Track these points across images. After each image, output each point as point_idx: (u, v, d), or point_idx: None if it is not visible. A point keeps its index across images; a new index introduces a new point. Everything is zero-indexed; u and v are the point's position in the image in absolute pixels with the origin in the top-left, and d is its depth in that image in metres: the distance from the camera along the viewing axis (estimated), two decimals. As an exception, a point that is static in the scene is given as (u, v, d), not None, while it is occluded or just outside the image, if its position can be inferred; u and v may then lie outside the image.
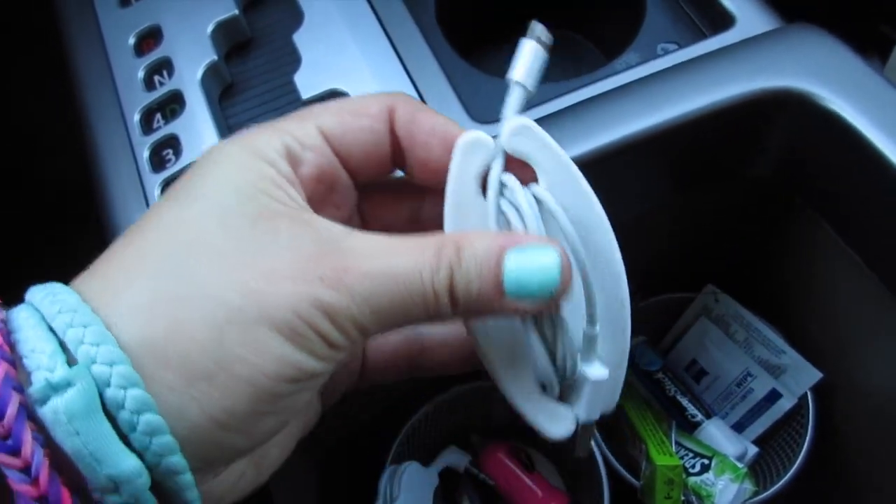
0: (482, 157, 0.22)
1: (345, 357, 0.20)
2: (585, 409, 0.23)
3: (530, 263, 0.20)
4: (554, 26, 0.49)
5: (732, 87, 0.33)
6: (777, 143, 0.36)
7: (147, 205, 0.35)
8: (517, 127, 0.22)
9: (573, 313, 0.22)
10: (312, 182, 0.22)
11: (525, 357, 0.22)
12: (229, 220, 0.19)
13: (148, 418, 0.17)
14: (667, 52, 0.37)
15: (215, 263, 0.19)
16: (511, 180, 0.22)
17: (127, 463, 0.17)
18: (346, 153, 0.23)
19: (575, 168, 0.22)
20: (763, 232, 0.43)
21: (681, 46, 0.37)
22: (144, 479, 0.17)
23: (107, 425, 0.17)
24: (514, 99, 0.22)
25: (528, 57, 0.23)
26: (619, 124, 0.33)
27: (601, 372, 0.22)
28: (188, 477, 0.18)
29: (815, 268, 0.41)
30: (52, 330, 0.18)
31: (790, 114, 0.33)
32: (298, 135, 0.22)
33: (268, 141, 0.21)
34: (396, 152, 0.23)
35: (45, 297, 0.18)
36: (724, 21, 0.37)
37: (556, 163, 0.22)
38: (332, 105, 0.23)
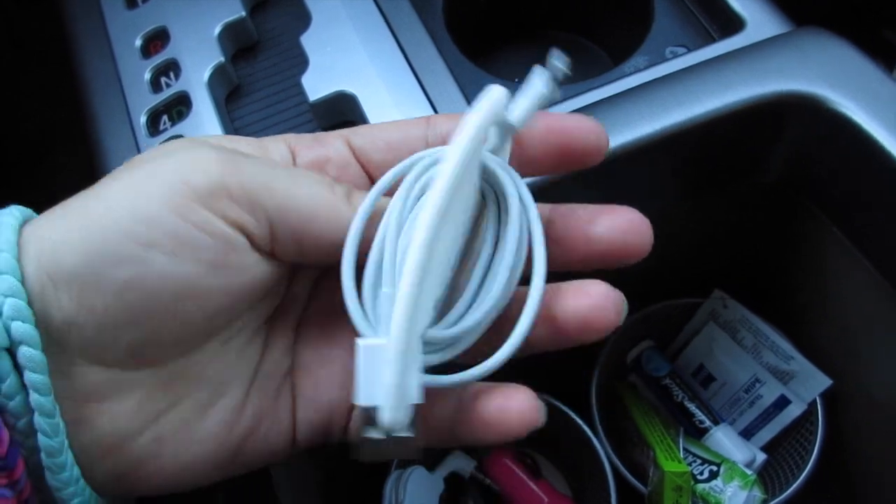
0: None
1: (227, 256, 0.19)
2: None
3: None
4: (562, 30, 0.49)
5: (742, 91, 0.33)
6: (787, 147, 0.35)
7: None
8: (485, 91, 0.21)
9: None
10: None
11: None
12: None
13: (6, 279, 0.18)
14: (675, 56, 0.37)
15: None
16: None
17: None
18: (371, 145, 0.23)
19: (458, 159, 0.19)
20: (772, 236, 0.43)
21: (690, 50, 0.37)
22: None
23: None
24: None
25: (530, 95, 0.22)
26: (628, 128, 0.32)
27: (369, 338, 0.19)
28: (38, 355, 0.18)
29: (825, 273, 0.41)
30: None
31: (800, 117, 0.33)
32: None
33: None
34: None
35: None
36: (733, 24, 0.37)
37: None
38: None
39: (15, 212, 0.20)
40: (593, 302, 0.21)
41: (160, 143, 0.22)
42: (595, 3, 0.44)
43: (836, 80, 0.32)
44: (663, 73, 0.34)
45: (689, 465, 0.44)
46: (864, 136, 0.31)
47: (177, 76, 0.38)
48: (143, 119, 0.37)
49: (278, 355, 0.23)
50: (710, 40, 0.38)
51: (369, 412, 0.19)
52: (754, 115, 0.33)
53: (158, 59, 0.39)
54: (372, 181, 0.23)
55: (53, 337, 0.18)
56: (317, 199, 0.20)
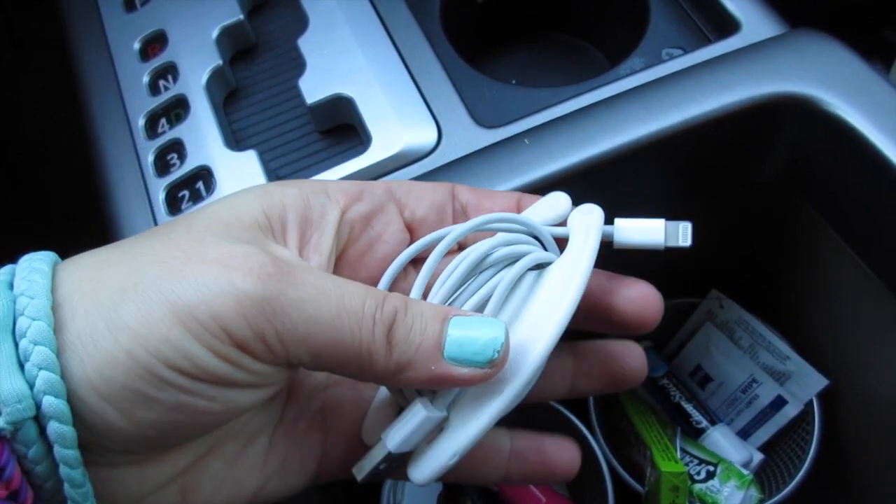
0: (550, 212, 0.24)
1: (260, 381, 0.20)
2: (394, 429, 0.21)
3: (474, 330, 0.20)
4: (559, 32, 0.49)
5: (737, 92, 0.33)
6: (782, 148, 0.36)
7: (151, 209, 0.35)
8: (586, 207, 0.23)
9: None
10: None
11: None
12: (196, 224, 0.21)
13: (41, 350, 0.17)
14: (672, 57, 0.37)
15: (159, 242, 0.20)
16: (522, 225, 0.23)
17: (10, 383, 0.17)
18: (416, 201, 0.24)
19: (589, 267, 0.22)
20: (768, 237, 0.43)
21: (686, 51, 0.37)
22: (24, 407, 0.17)
23: (9, 346, 0.17)
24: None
25: (647, 225, 0.23)
26: (624, 129, 0.33)
27: (424, 410, 0.21)
28: (69, 430, 0.18)
29: (821, 273, 0.41)
30: (14, 273, 0.19)
31: (795, 119, 0.33)
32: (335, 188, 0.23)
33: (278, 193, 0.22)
34: (459, 216, 0.25)
35: (31, 253, 0.20)
36: (729, 26, 0.37)
37: (578, 254, 0.22)
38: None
39: (43, 266, 0.19)
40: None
41: (195, 214, 0.21)
42: (592, 5, 0.45)
43: (831, 81, 0.33)
44: (660, 75, 0.35)
45: (686, 465, 0.44)
46: (859, 138, 0.31)
47: (175, 79, 0.38)
48: (141, 122, 0.37)
49: (305, 398, 0.24)
50: (706, 42, 0.38)
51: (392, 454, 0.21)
52: (750, 117, 0.33)
53: (156, 62, 0.39)
54: (412, 237, 0.24)
55: (90, 436, 0.18)
56: (355, 349, 0.19)
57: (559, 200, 0.24)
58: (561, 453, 0.25)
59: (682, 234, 0.22)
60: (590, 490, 0.45)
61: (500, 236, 0.22)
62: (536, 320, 0.21)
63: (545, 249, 0.23)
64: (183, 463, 0.21)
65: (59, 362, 0.18)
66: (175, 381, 0.18)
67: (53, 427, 0.17)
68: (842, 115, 0.32)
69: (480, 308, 0.22)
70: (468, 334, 0.20)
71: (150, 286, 0.18)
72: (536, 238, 0.23)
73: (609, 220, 0.23)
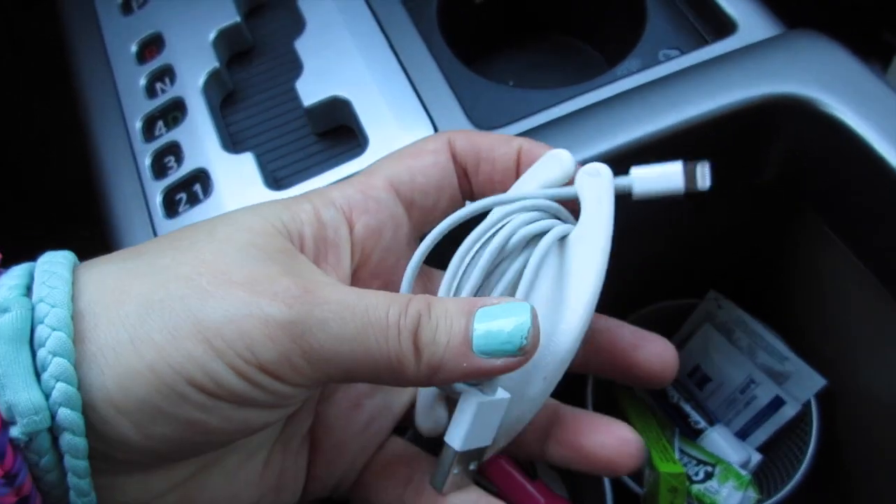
0: (553, 173, 0.23)
1: (279, 402, 0.20)
2: (452, 428, 0.21)
3: (499, 319, 0.20)
4: (556, 33, 0.49)
5: (735, 94, 0.33)
6: (780, 149, 0.36)
7: (149, 212, 0.35)
8: (593, 168, 0.22)
9: None
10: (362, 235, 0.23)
11: None
12: (219, 233, 0.20)
13: (59, 361, 0.17)
14: (669, 59, 0.37)
15: (182, 255, 0.20)
16: (543, 203, 0.22)
17: (26, 394, 0.17)
18: (420, 193, 0.24)
19: (608, 234, 0.22)
20: (766, 238, 0.43)
21: (683, 52, 0.37)
22: (41, 419, 0.17)
23: (26, 356, 0.17)
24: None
25: (662, 170, 0.22)
26: (621, 131, 0.33)
27: (474, 398, 0.21)
28: (81, 442, 0.18)
29: (819, 274, 0.41)
30: (31, 275, 0.19)
31: (793, 120, 0.33)
32: (353, 192, 0.23)
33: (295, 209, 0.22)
34: (462, 180, 0.24)
35: (49, 254, 0.20)
36: (725, 27, 0.37)
37: (596, 221, 0.22)
38: (393, 154, 0.25)
39: (64, 272, 0.19)
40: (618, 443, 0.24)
41: (218, 222, 0.21)
42: (589, 7, 0.44)
43: (828, 82, 0.33)
44: (657, 76, 0.35)
45: (685, 465, 0.44)
46: (856, 139, 0.31)
47: (172, 82, 0.38)
48: (138, 125, 0.37)
49: (304, 415, 0.24)
50: (703, 43, 0.38)
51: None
52: (747, 118, 0.33)
53: (153, 64, 0.39)
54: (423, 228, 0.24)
55: (101, 446, 0.18)
56: (385, 360, 0.20)
57: (561, 160, 0.23)
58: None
59: (700, 175, 0.22)
60: (588, 491, 0.45)
61: (518, 216, 0.22)
62: (568, 298, 0.22)
63: (559, 219, 0.23)
64: (185, 474, 0.21)
65: (76, 374, 0.18)
66: (194, 398, 0.18)
67: (67, 438, 0.18)
68: (839, 116, 0.32)
69: (510, 294, 0.22)
70: (494, 325, 0.19)
71: (177, 303, 0.18)
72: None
73: (625, 171, 0.23)
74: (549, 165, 0.23)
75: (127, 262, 0.20)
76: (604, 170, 0.22)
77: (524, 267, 0.22)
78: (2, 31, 0.61)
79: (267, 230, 0.21)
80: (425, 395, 0.23)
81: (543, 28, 0.47)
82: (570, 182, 0.23)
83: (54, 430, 0.18)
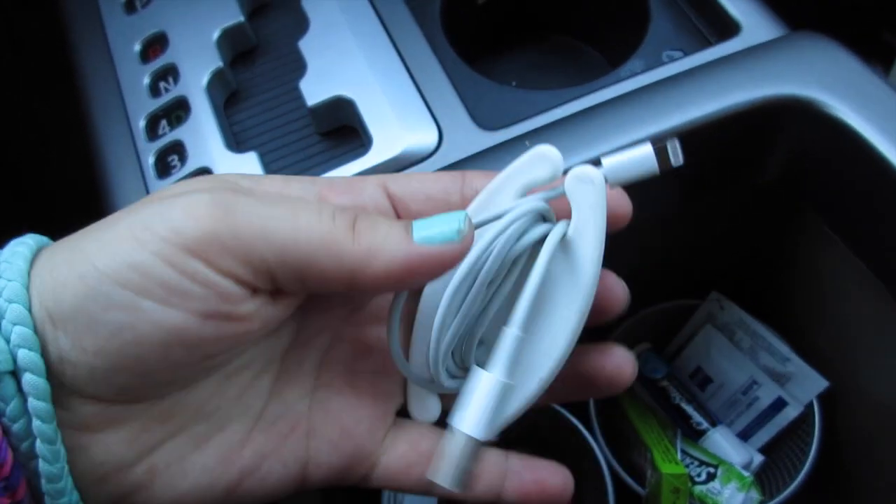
0: (541, 172, 0.22)
1: (222, 304, 0.19)
2: (456, 412, 0.21)
3: (436, 219, 0.20)
4: (559, 34, 0.49)
5: (738, 95, 0.33)
6: (783, 151, 0.36)
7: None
8: (585, 175, 0.22)
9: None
10: None
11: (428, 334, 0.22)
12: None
13: (15, 308, 0.18)
14: (672, 60, 0.37)
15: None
16: (542, 206, 0.22)
17: None
18: (410, 194, 0.23)
19: (601, 248, 0.22)
20: (768, 239, 0.43)
21: (686, 54, 0.37)
22: (2, 360, 0.18)
23: None
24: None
25: (632, 155, 0.22)
26: (624, 132, 0.33)
27: (485, 378, 0.21)
28: (42, 382, 0.18)
29: (821, 275, 0.41)
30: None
31: (796, 121, 0.33)
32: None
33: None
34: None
35: (17, 239, 0.21)
36: (729, 28, 0.37)
37: (589, 228, 0.22)
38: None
39: (29, 241, 0.20)
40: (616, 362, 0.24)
41: (181, 181, 0.22)
42: (592, 8, 0.45)
43: (831, 83, 0.33)
44: (660, 77, 0.35)
45: (687, 466, 0.44)
46: (859, 140, 0.31)
47: (175, 81, 0.38)
48: (141, 123, 0.37)
49: (293, 398, 0.23)
50: (706, 44, 0.38)
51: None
52: (750, 119, 0.33)
53: (157, 63, 0.39)
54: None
55: (50, 370, 0.19)
56: (318, 235, 0.19)
57: (551, 158, 0.22)
58: (555, 477, 0.25)
59: (671, 153, 0.21)
60: (590, 492, 0.45)
61: (507, 233, 0.22)
62: (563, 303, 0.22)
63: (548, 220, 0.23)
64: (149, 439, 0.21)
65: (31, 317, 0.18)
66: (119, 297, 0.18)
67: (28, 379, 0.18)
68: (842, 117, 0.32)
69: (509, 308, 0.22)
70: (432, 218, 0.20)
71: (112, 220, 0.19)
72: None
73: (596, 162, 0.22)
74: (537, 163, 0.22)
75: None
76: (596, 177, 0.22)
77: (519, 276, 0.22)
78: (2, 31, 0.61)
79: (223, 177, 0.22)
80: (416, 381, 0.23)
81: (547, 29, 0.47)
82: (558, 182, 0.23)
83: (17, 374, 0.18)
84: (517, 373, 0.22)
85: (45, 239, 0.21)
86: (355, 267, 0.20)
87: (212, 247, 0.19)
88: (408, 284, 0.21)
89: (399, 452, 0.24)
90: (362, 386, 0.24)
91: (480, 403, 0.21)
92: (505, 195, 0.23)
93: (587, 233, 0.22)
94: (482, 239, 0.21)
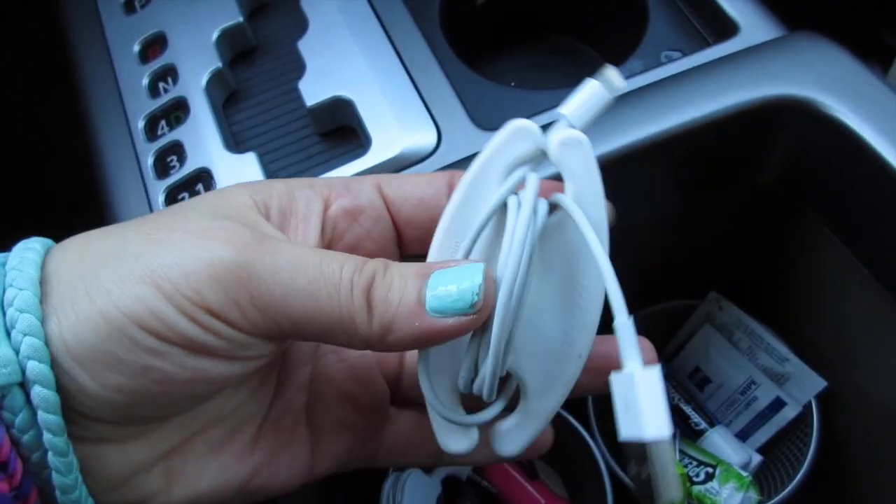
0: (522, 148, 0.22)
1: (234, 352, 0.19)
2: (648, 414, 0.19)
3: (452, 277, 0.20)
4: (558, 34, 0.49)
5: (736, 95, 0.33)
6: (781, 151, 0.36)
7: (151, 211, 0.35)
8: (571, 139, 0.21)
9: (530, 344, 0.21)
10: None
11: (454, 366, 0.22)
12: (182, 206, 0.21)
13: (26, 317, 0.18)
14: (670, 60, 0.37)
15: (146, 220, 0.20)
16: (533, 180, 0.21)
17: None
18: (403, 198, 0.23)
19: (605, 208, 0.21)
20: (767, 239, 0.43)
21: (685, 54, 0.37)
22: (10, 372, 0.18)
23: None
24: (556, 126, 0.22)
25: (585, 95, 0.21)
26: (624, 132, 0.33)
27: (641, 375, 0.19)
28: (52, 395, 0.18)
29: (819, 275, 0.41)
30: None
31: (794, 121, 0.33)
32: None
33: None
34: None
35: (25, 241, 0.21)
36: (727, 29, 0.37)
37: (590, 191, 0.21)
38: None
39: (37, 246, 0.20)
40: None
41: (195, 209, 0.21)
42: (591, 8, 0.45)
43: (829, 84, 0.33)
44: (658, 78, 0.35)
45: (686, 467, 0.44)
46: (857, 140, 0.31)
47: (175, 81, 0.38)
48: (140, 124, 0.37)
49: (292, 392, 0.24)
50: (705, 45, 0.38)
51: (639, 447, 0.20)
52: (748, 119, 0.33)
53: (156, 64, 0.39)
54: (399, 235, 0.24)
55: (66, 397, 0.19)
56: (336, 316, 0.19)
57: (531, 131, 0.21)
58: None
59: (615, 78, 0.21)
60: (589, 492, 0.45)
61: (525, 217, 0.21)
62: (582, 273, 0.21)
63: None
64: (166, 444, 0.21)
65: (43, 329, 0.18)
66: (144, 342, 0.18)
67: (37, 391, 0.18)
68: (840, 117, 0.32)
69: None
70: (448, 280, 0.20)
71: (131, 253, 0.19)
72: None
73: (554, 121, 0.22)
74: (517, 139, 0.22)
75: (94, 231, 0.21)
76: (584, 139, 0.21)
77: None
78: (2, 31, 0.61)
79: (230, 199, 0.21)
80: (438, 410, 0.22)
81: (545, 29, 0.47)
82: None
83: (26, 386, 0.18)
84: (538, 378, 0.22)
85: (49, 241, 0.21)
86: (370, 343, 0.20)
87: (233, 312, 0.19)
88: (421, 348, 0.21)
89: (402, 432, 0.25)
90: (356, 374, 0.24)
91: (657, 399, 0.19)
92: (491, 180, 0.22)
93: (590, 197, 0.21)
94: (509, 251, 0.20)
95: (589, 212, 0.21)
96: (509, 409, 0.23)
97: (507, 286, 0.20)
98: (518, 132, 0.21)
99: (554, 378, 0.22)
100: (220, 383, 0.20)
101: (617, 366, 0.20)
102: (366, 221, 0.24)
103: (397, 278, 0.20)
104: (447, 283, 0.19)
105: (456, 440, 0.22)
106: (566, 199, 0.21)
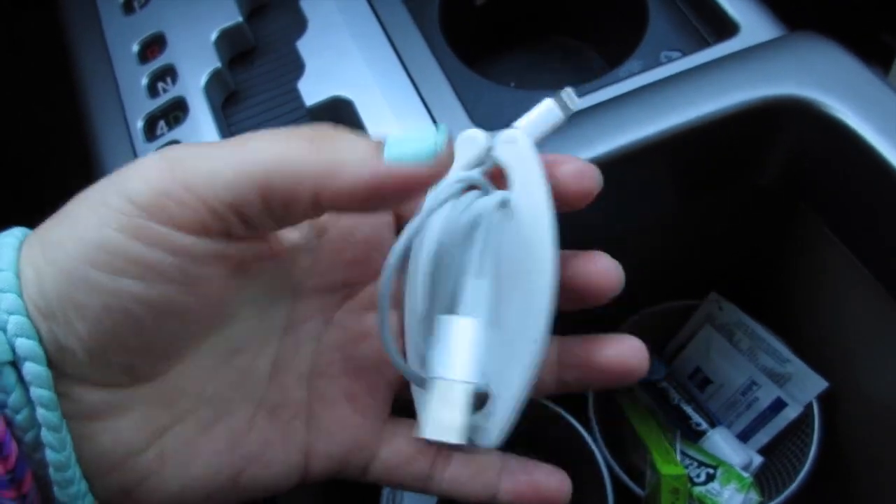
0: (473, 153, 0.23)
1: (192, 267, 0.19)
2: (438, 363, 0.21)
3: (412, 132, 0.19)
4: (558, 34, 0.49)
5: (736, 95, 0.33)
6: (781, 151, 0.36)
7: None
8: (509, 136, 0.23)
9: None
10: None
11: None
12: None
13: (9, 297, 0.18)
14: (670, 60, 0.37)
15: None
16: (475, 174, 0.22)
17: None
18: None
19: (547, 191, 0.22)
20: (767, 239, 0.43)
21: (684, 54, 0.37)
22: (1, 351, 0.18)
23: None
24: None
25: (539, 111, 0.23)
26: (623, 132, 0.33)
27: (457, 323, 0.21)
28: (43, 370, 0.18)
29: (820, 275, 0.41)
30: None
31: (794, 121, 0.33)
32: None
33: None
34: None
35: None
36: (727, 29, 0.37)
37: (531, 181, 0.22)
38: None
39: (17, 232, 0.20)
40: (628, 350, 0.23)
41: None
42: (590, 8, 0.45)
43: (830, 83, 0.33)
44: (658, 78, 0.35)
45: (686, 467, 0.44)
46: (857, 140, 0.31)
47: (174, 81, 0.38)
48: (139, 124, 0.37)
49: (291, 384, 0.23)
50: (705, 44, 0.38)
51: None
52: (748, 119, 0.33)
53: (155, 64, 0.39)
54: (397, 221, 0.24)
55: (51, 361, 0.19)
56: (270, 156, 0.19)
57: (475, 138, 0.23)
58: (550, 479, 0.25)
59: (568, 99, 0.23)
60: (589, 493, 0.45)
61: (447, 208, 0.22)
62: (530, 265, 0.22)
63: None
64: (156, 423, 0.21)
65: (26, 306, 0.18)
66: (98, 280, 0.18)
67: (28, 368, 0.18)
68: (840, 117, 0.32)
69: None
70: (407, 134, 0.19)
71: (76, 201, 0.19)
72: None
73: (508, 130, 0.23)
74: (464, 147, 0.23)
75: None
76: (519, 134, 0.22)
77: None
78: (2, 31, 0.61)
79: None
80: (412, 377, 0.23)
81: (545, 29, 0.47)
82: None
83: (17, 364, 0.18)
84: (498, 369, 0.22)
85: (29, 231, 0.21)
86: (317, 182, 0.18)
87: (168, 204, 0.18)
88: (376, 206, 0.20)
89: (397, 446, 0.24)
90: (358, 374, 0.24)
91: (461, 347, 0.21)
92: (441, 185, 0.22)
93: (530, 189, 0.22)
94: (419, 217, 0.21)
95: (530, 198, 0.22)
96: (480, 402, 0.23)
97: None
98: (465, 140, 0.23)
99: (513, 366, 0.22)
100: (186, 312, 0.20)
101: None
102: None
103: (347, 135, 0.19)
104: (406, 134, 0.19)
105: (438, 428, 0.22)
106: (492, 197, 0.22)
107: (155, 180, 0.18)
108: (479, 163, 0.23)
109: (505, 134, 0.23)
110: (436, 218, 0.22)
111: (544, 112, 0.23)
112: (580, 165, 0.22)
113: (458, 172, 0.22)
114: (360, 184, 0.19)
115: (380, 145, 0.19)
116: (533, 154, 0.22)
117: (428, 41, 0.38)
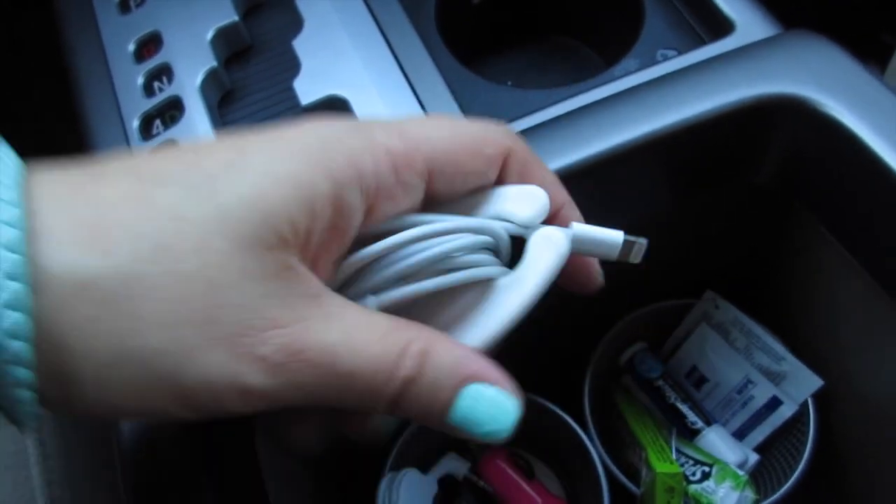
0: (521, 211, 0.22)
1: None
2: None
3: (485, 406, 0.19)
4: (554, 33, 0.49)
5: (732, 93, 0.33)
6: (777, 149, 0.36)
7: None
8: (553, 236, 0.22)
9: None
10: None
11: None
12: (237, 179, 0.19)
13: (10, 232, 0.17)
14: (666, 59, 0.37)
15: (189, 202, 0.19)
16: (502, 245, 0.22)
17: None
18: (445, 185, 0.22)
19: (527, 303, 0.21)
20: (763, 238, 0.43)
21: (680, 52, 0.37)
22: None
23: None
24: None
25: (603, 234, 0.23)
26: (618, 130, 0.33)
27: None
28: (22, 288, 0.17)
29: (816, 274, 0.41)
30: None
31: (790, 120, 0.33)
32: (386, 167, 0.20)
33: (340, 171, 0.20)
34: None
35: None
36: (723, 27, 0.37)
37: (529, 287, 0.21)
38: (448, 132, 0.22)
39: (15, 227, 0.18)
40: None
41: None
42: (587, 7, 0.45)
43: (826, 82, 0.33)
44: (654, 76, 0.35)
45: (682, 466, 0.44)
46: (854, 139, 0.31)
47: (170, 80, 0.38)
48: (135, 123, 0.37)
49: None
50: (701, 43, 0.38)
51: None
52: (744, 118, 0.33)
53: (151, 63, 0.39)
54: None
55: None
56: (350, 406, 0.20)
57: (536, 198, 0.22)
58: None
59: (634, 252, 0.22)
60: (585, 491, 0.45)
61: (460, 242, 0.21)
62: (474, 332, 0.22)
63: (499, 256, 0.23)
64: None
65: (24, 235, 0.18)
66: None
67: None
68: (836, 116, 0.32)
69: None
70: (479, 408, 0.20)
71: (156, 358, 0.18)
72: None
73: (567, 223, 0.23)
74: (522, 199, 0.22)
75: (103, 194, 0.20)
76: (563, 245, 0.22)
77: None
78: (2, 31, 0.61)
79: (268, 242, 0.19)
80: None
81: (541, 28, 0.47)
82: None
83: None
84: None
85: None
86: (380, 400, 0.20)
87: (256, 394, 0.19)
88: None
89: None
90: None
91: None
92: (478, 209, 0.22)
93: (520, 291, 0.21)
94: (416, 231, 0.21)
95: (506, 301, 0.21)
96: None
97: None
98: (528, 194, 0.22)
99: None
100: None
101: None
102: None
103: (428, 388, 0.19)
104: (478, 407, 0.20)
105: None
106: (475, 272, 0.21)
107: (253, 405, 0.19)
108: (519, 221, 0.22)
109: (552, 232, 0.22)
110: (440, 241, 0.21)
111: (606, 240, 0.22)
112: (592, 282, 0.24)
113: (494, 227, 0.22)
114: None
115: (452, 400, 0.20)
116: (552, 274, 0.21)
117: (424, 40, 0.38)
